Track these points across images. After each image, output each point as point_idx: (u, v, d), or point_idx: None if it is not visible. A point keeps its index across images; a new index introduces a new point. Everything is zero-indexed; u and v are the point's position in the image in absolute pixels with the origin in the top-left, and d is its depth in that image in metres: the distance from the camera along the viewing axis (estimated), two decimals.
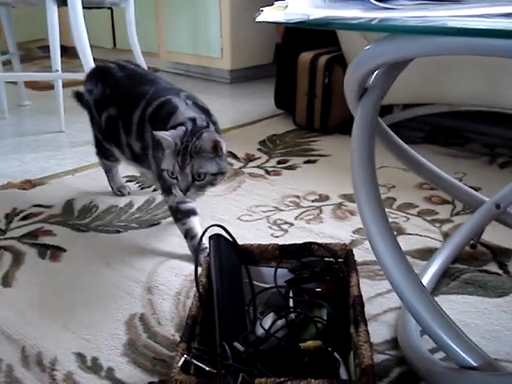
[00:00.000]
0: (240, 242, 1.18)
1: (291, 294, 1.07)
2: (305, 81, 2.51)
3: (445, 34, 0.63)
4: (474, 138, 2.41)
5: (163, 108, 1.47)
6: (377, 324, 1.22)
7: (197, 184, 1.33)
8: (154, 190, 1.89)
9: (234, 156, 2.23)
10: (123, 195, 1.88)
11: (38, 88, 3.46)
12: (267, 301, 1.07)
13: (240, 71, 3.61)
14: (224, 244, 1.08)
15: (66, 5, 2.44)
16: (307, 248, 1.14)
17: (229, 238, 1.11)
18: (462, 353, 0.92)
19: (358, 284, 1.00)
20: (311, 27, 0.71)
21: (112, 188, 1.90)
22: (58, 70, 2.55)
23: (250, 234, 1.61)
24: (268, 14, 0.76)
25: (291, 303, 1.04)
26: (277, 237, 1.59)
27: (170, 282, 1.38)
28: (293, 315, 1.01)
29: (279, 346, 0.92)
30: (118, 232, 1.65)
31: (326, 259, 1.12)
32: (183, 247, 1.51)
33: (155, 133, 1.33)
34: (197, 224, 1.48)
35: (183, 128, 1.35)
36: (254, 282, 1.09)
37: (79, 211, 1.80)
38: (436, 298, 1.30)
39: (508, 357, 1.13)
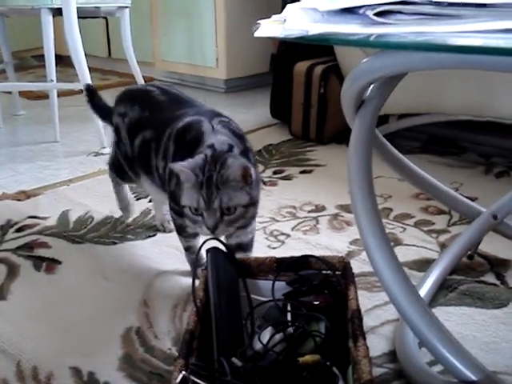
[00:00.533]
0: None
1: (289, 308, 1.06)
2: (300, 91, 2.51)
3: (442, 51, 0.63)
4: (470, 147, 2.42)
5: (190, 130, 1.31)
6: (374, 336, 1.21)
7: (226, 219, 1.16)
8: (150, 201, 1.88)
9: None
10: (165, 231, 1.70)
11: (33, 97, 3.46)
12: (265, 314, 1.06)
13: (235, 80, 3.61)
14: (221, 257, 1.08)
15: (61, 15, 2.44)
16: (305, 261, 1.13)
17: (226, 250, 1.11)
18: (461, 366, 0.91)
19: (357, 298, 1.00)
20: (310, 43, 0.71)
21: (120, 206, 1.75)
22: (52, 80, 2.55)
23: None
24: (266, 29, 0.76)
25: (289, 317, 1.04)
26: (274, 248, 1.58)
27: (167, 294, 1.37)
28: (291, 329, 1.00)
29: (277, 361, 0.92)
30: (114, 244, 1.64)
31: (324, 272, 1.12)
32: (180, 259, 1.50)
33: (171, 166, 1.19)
34: (200, 243, 1.35)
35: (202, 156, 1.19)
36: (252, 296, 1.09)
37: (74, 222, 1.79)
38: (434, 310, 1.30)
39: (507, 369, 1.12)
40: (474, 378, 0.91)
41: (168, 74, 3.98)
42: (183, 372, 0.81)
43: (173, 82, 3.91)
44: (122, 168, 1.60)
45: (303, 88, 2.50)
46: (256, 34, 0.76)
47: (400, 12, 0.71)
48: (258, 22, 0.96)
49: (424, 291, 1.33)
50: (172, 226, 1.61)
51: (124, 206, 1.74)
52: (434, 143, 2.49)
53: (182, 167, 1.16)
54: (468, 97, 2.09)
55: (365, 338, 0.89)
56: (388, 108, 2.23)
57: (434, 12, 0.70)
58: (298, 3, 0.94)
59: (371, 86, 1.08)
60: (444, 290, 1.37)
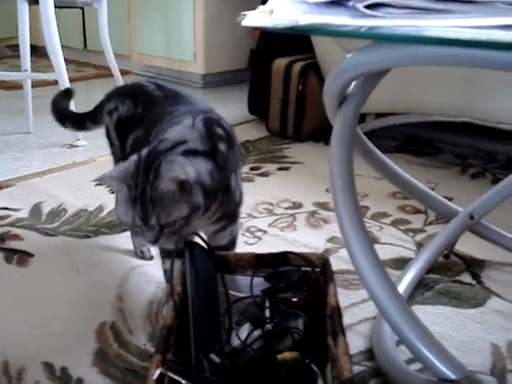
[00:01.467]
0: None
1: (267, 304, 1.04)
2: (279, 87, 2.50)
3: (435, 44, 0.62)
4: (446, 148, 2.44)
5: (167, 126, 1.17)
6: (351, 334, 1.21)
7: (167, 231, 1.04)
8: None
9: None
10: (144, 258, 1.51)
11: (5, 88, 3.39)
12: (243, 311, 1.04)
13: (213, 76, 3.59)
14: (199, 252, 1.06)
15: (37, 3, 2.39)
16: (284, 257, 1.12)
17: (204, 245, 1.09)
18: (440, 365, 0.91)
19: (336, 294, 0.99)
20: (299, 33, 0.69)
21: (134, 247, 1.54)
22: (27, 70, 2.50)
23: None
24: (254, 19, 0.75)
25: (267, 313, 1.02)
26: (250, 244, 1.57)
27: (142, 289, 1.35)
28: (269, 326, 0.99)
29: (256, 358, 0.90)
30: (88, 237, 1.61)
31: (303, 269, 1.11)
32: (155, 254, 1.48)
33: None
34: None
35: (134, 160, 1.04)
36: (230, 291, 1.07)
37: (47, 215, 1.75)
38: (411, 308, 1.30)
39: (483, 368, 1.13)
40: (453, 376, 0.91)
41: (145, 68, 3.93)
42: (160, 368, 0.79)
43: (149, 75, 3.87)
44: None
45: (282, 84, 2.49)
46: (243, 24, 0.75)
47: (390, 5, 0.70)
48: (244, 13, 0.94)
49: (401, 290, 1.33)
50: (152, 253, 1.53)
51: (139, 246, 1.53)
52: (411, 143, 2.50)
53: (112, 179, 1.04)
54: (445, 98, 2.10)
55: (344, 335, 0.88)
56: (365, 107, 2.21)
57: (424, 6, 0.69)
58: None
59: (353, 83, 1.07)
60: (420, 289, 1.37)
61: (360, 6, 0.69)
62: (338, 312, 0.94)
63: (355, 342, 1.18)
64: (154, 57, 3.76)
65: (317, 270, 1.10)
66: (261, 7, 0.88)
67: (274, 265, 1.12)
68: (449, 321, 1.27)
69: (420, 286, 1.38)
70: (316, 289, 1.08)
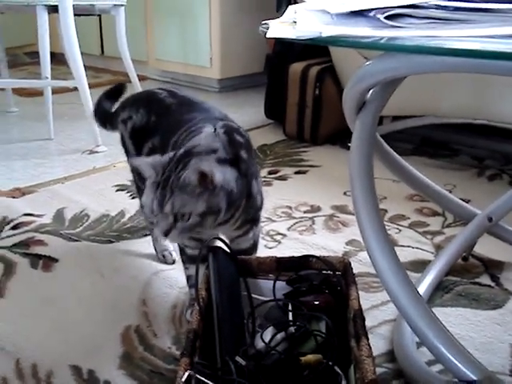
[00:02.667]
0: None
1: (290, 307, 1.06)
2: (295, 91, 2.52)
3: (457, 56, 0.64)
4: (463, 150, 2.44)
5: (186, 135, 1.19)
6: (372, 336, 1.22)
7: (179, 226, 1.05)
8: None
9: None
10: (166, 262, 1.54)
11: (26, 94, 3.44)
12: (266, 314, 1.06)
13: (229, 80, 3.62)
14: (223, 256, 1.08)
15: (56, 12, 2.44)
16: (305, 261, 1.14)
17: (227, 249, 1.11)
18: (461, 366, 0.92)
19: (358, 297, 1.01)
20: (322, 44, 0.71)
21: (155, 251, 1.57)
22: (47, 77, 2.54)
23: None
24: (277, 30, 0.77)
25: (290, 316, 1.04)
26: (270, 248, 1.59)
27: (165, 293, 1.38)
28: (292, 329, 1.01)
29: (280, 360, 0.92)
30: (111, 242, 1.64)
31: (324, 272, 1.12)
32: (178, 258, 1.50)
33: (131, 160, 1.14)
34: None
35: (170, 154, 1.09)
36: (253, 295, 1.09)
37: (70, 220, 1.78)
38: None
39: (503, 369, 1.14)
40: (474, 377, 0.92)
41: (161, 73, 3.97)
42: (189, 371, 0.81)
43: (166, 81, 3.91)
44: (138, 186, 1.45)
45: (298, 89, 2.50)
46: (268, 36, 0.77)
47: (410, 15, 0.72)
48: (265, 22, 0.96)
49: (421, 292, 1.34)
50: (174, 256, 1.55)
51: (163, 249, 1.55)
52: (427, 145, 2.51)
53: (143, 162, 1.10)
54: (462, 100, 2.11)
55: (367, 338, 0.90)
56: (383, 110, 2.25)
57: (444, 16, 0.71)
58: (303, 4, 0.94)
59: (372, 89, 1.09)
60: (440, 291, 1.39)
61: (381, 16, 0.71)
62: (360, 315, 0.95)
63: (376, 344, 1.20)
64: (171, 62, 3.79)
65: (338, 273, 1.12)
66: (283, 18, 0.90)
67: (295, 268, 1.14)
68: (468, 322, 1.28)
69: (439, 289, 1.39)
70: (337, 292, 1.10)
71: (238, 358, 0.89)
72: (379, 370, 1.12)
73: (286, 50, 2.64)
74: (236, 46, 3.50)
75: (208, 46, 3.52)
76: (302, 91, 2.50)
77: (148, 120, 1.35)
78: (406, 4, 0.75)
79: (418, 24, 0.70)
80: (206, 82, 3.67)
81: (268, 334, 0.99)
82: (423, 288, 1.35)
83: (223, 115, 1.31)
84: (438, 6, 0.77)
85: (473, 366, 0.93)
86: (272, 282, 1.10)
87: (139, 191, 1.44)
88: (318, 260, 1.13)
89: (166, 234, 1.06)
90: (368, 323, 1.24)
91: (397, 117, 2.39)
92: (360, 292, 1.34)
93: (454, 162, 2.31)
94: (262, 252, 1.48)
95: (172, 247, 1.54)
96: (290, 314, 1.05)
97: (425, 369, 1.08)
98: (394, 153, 1.41)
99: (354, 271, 1.26)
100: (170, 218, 1.04)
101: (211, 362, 0.93)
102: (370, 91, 1.09)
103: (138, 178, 1.40)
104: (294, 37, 0.71)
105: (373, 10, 0.74)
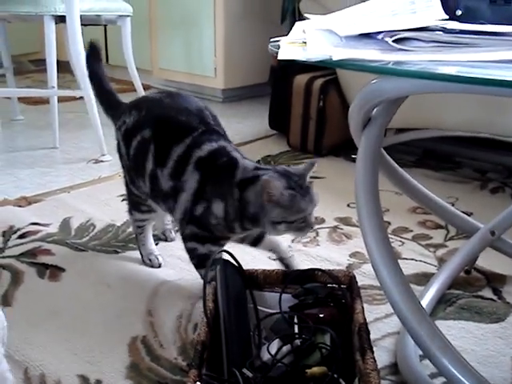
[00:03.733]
0: (246, 266, 1.20)
1: (295, 320, 1.08)
2: (300, 103, 2.54)
3: (456, 82, 0.66)
4: (465, 162, 2.46)
5: (219, 157, 1.34)
6: (376, 349, 1.21)
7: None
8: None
9: None
10: (152, 266, 1.58)
11: (31, 103, 3.47)
12: (272, 326, 1.08)
13: (233, 90, 3.64)
14: (230, 269, 1.10)
15: (63, 22, 2.46)
16: (310, 274, 1.16)
17: (234, 262, 1.13)
18: (463, 379, 0.94)
19: (363, 311, 1.02)
20: (331, 66, 0.73)
21: (141, 255, 1.61)
22: (54, 87, 2.56)
23: (248, 257, 1.60)
24: (288, 52, 0.79)
25: (296, 329, 1.06)
26: (275, 260, 1.60)
27: (171, 304, 1.39)
28: (298, 341, 1.02)
29: (286, 372, 0.94)
30: (117, 252, 1.66)
31: (329, 285, 1.14)
32: (182, 269, 1.52)
33: (267, 183, 1.23)
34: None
35: (278, 174, 1.28)
36: (259, 307, 1.11)
37: (76, 230, 1.80)
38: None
39: (504, 382, 1.15)
40: None
41: (166, 83, 4.00)
42: (197, 383, 0.83)
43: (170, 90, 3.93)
44: (131, 191, 1.53)
45: (302, 100, 2.53)
46: (279, 57, 0.79)
47: (417, 39, 0.74)
48: (274, 39, 0.99)
49: (424, 305, 1.35)
50: (173, 235, 1.65)
51: (150, 252, 1.60)
52: (430, 158, 2.53)
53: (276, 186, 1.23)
54: (466, 113, 2.13)
55: (373, 352, 0.92)
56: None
57: (450, 40, 0.73)
58: (311, 22, 0.97)
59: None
60: (443, 304, 1.40)
61: (389, 40, 0.73)
62: (365, 328, 0.97)
63: (380, 356, 1.21)
64: (175, 72, 3.82)
65: (343, 286, 1.14)
66: (291, 36, 0.92)
67: (301, 281, 1.15)
68: (471, 335, 1.29)
69: (442, 302, 1.41)
70: (342, 305, 1.11)
71: (244, 370, 0.90)
72: (383, 383, 1.13)
73: (291, 62, 2.65)
74: (240, 57, 3.53)
75: (212, 56, 3.55)
76: (306, 103, 2.52)
77: (138, 116, 1.43)
78: (413, 27, 0.76)
79: (424, 47, 0.72)
80: (210, 91, 3.69)
81: (274, 347, 1.00)
82: (426, 301, 1.37)
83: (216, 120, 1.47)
84: (445, 29, 0.79)
85: (475, 379, 0.94)
86: (278, 294, 1.12)
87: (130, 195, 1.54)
88: (324, 273, 1.15)
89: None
90: (372, 336, 1.25)
91: (400, 129, 2.41)
92: (364, 304, 1.37)
93: (456, 175, 2.33)
94: (266, 264, 1.50)
95: (157, 251, 1.61)
96: (296, 326, 1.06)
97: (428, 381, 1.09)
98: (397, 165, 1.43)
99: (358, 284, 1.28)
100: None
101: (218, 373, 0.94)
102: (376, 108, 1.12)
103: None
104: (304, 59, 0.73)
105: (381, 32, 0.76)
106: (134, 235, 1.71)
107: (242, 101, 3.66)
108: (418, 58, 0.70)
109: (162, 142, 1.38)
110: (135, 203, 1.55)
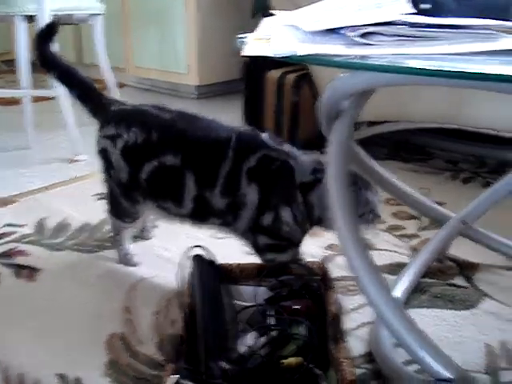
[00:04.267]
0: (221, 261, 1.21)
1: (271, 312, 1.10)
2: (273, 98, 2.56)
3: (418, 75, 0.68)
4: (437, 153, 2.49)
5: (270, 164, 1.31)
6: (351, 339, 1.25)
7: None
8: None
9: None
10: (128, 264, 1.58)
11: (4, 103, 3.43)
12: (248, 319, 1.10)
13: (207, 87, 3.65)
14: (205, 264, 1.11)
15: (34, 21, 2.44)
16: (285, 267, 1.17)
17: (209, 257, 1.14)
18: (436, 365, 0.96)
19: (336, 302, 1.04)
20: (297, 61, 0.75)
21: (118, 254, 1.61)
22: (26, 87, 2.54)
23: (225, 251, 1.60)
24: (253, 48, 0.80)
25: (271, 321, 1.07)
26: (251, 254, 1.61)
27: (148, 301, 1.40)
28: (273, 333, 1.04)
29: (262, 364, 0.95)
30: (93, 251, 1.66)
31: (304, 277, 1.16)
32: (159, 266, 1.53)
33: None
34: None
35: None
36: (235, 301, 1.12)
37: (52, 230, 1.80)
38: (407, 312, 1.35)
39: (478, 368, 1.18)
40: (449, 376, 0.96)
41: (139, 80, 3.99)
42: (175, 376, 0.84)
43: (145, 88, 3.93)
44: (119, 202, 1.49)
45: (276, 96, 2.54)
46: (244, 53, 0.80)
47: (381, 33, 0.76)
48: (241, 36, 1.00)
49: (398, 294, 1.38)
50: (151, 233, 1.67)
51: (126, 253, 1.60)
52: (402, 150, 2.56)
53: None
54: (436, 105, 2.16)
55: (345, 341, 0.94)
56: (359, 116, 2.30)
57: (413, 34, 0.75)
58: (278, 19, 0.98)
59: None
60: (417, 293, 1.43)
61: (353, 34, 0.75)
62: (338, 319, 0.99)
63: (355, 345, 1.23)
64: (149, 69, 3.81)
65: (317, 278, 1.15)
66: (257, 33, 0.93)
67: (276, 274, 1.17)
68: (445, 323, 1.32)
69: (416, 291, 1.43)
70: (317, 296, 1.13)
71: (221, 363, 0.92)
72: (358, 371, 1.15)
73: (263, 58, 2.67)
74: (214, 53, 3.53)
75: (185, 53, 3.55)
76: (279, 98, 2.54)
77: (147, 138, 1.37)
78: (377, 22, 0.78)
79: (388, 42, 0.74)
80: (184, 88, 3.69)
81: (250, 339, 1.02)
82: (400, 290, 1.39)
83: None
84: (410, 23, 0.81)
85: (448, 365, 0.97)
86: (254, 287, 1.14)
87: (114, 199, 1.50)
88: (298, 266, 1.16)
89: None
90: (347, 326, 1.29)
91: (373, 122, 2.43)
92: (339, 295, 1.39)
93: (428, 166, 2.36)
94: (243, 259, 1.51)
95: (133, 251, 1.60)
96: (272, 318, 1.08)
97: (402, 369, 1.11)
98: (369, 157, 1.45)
99: (333, 275, 1.30)
100: None
101: (196, 367, 0.96)
102: (344, 102, 1.14)
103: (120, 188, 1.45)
104: (269, 55, 0.75)
105: (346, 27, 0.77)
106: (109, 234, 1.71)
107: (217, 97, 3.67)
108: (381, 51, 0.71)
109: (199, 166, 1.33)
110: (121, 213, 1.53)
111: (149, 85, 3.92)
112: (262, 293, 1.14)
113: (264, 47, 0.78)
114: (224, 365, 0.91)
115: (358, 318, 1.33)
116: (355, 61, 0.70)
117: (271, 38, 0.81)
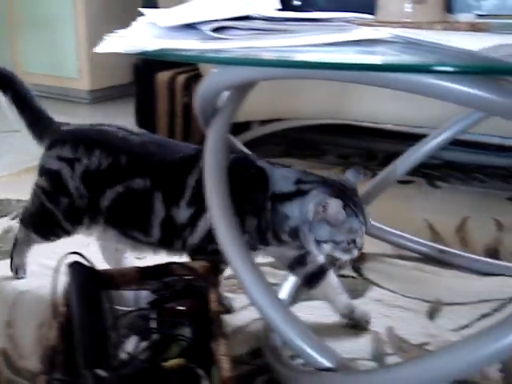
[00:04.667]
0: (101, 267, 1.18)
1: (155, 316, 1.08)
2: (164, 100, 2.53)
3: (263, 66, 0.68)
4: (329, 149, 2.55)
5: (241, 171, 1.23)
6: (242, 335, 1.26)
7: None
8: (13, 219, 1.79)
9: None
10: (17, 277, 1.50)
11: None
12: (130, 324, 1.07)
13: (100, 91, 3.57)
14: (83, 271, 1.08)
15: None
16: (167, 268, 1.16)
17: (88, 264, 1.11)
18: (316, 356, 0.98)
19: (218, 300, 1.04)
20: (151, 57, 0.74)
21: (11, 262, 1.51)
22: None
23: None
24: (108, 44, 0.78)
25: (154, 324, 1.06)
26: (139, 258, 1.58)
27: (31, 314, 1.34)
28: (156, 336, 1.02)
29: (143, 368, 0.93)
30: None
31: (188, 278, 1.15)
32: (44, 277, 1.47)
33: (331, 203, 1.11)
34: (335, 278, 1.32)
35: (332, 188, 1.15)
36: (117, 307, 1.10)
37: None
38: (297, 305, 1.38)
39: (365, 355, 1.22)
40: (330, 365, 0.98)
41: (31, 87, 3.84)
42: None
43: (36, 94, 3.78)
44: (53, 222, 1.37)
45: (167, 97, 2.52)
46: (96, 50, 0.78)
47: (237, 27, 0.76)
48: (108, 34, 0.97)
49: (287, 288, 1.40)
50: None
51: (21, 264, 1.51)
52: (297, 147, 2.60)
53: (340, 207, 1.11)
54: (322, 102, 2.21)
55: (225, 338, 0.93)
56: (248, 115, 2.32)
57: (267, 27, 0.75)
58: (144, 17, 0.97)
59: (224, 95, 1.13)
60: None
61: (208, 28, 0.74)
62: (219, 316, 0.99)
63: (245, 342, 1.24)
64: (40, 75, 3.68)
65: (201, 277, 1.14)
66: (122, 30, 0.92)
67: (158, 276, 1.15)
68: (334, 313, 1.34)
69: None
70: (201, 296, 1.12)
71: (98, 371, 0.89)
72: (246, 367, 1.16)
73: (153, 59, 2.64)
74: (105, 56, 3.42)
75: (75, 57, 3.46)
76: (170, 99, 2.52)
77: (114, 163, 1.29)
78: (234, 16, 0.78)
79: (242, 35, 0.74)
80: (76, 93, 3.60)
81: (131, 344, 1.00)
82: (290, 284, 1.41)
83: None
84: (267, 17, 0.82)
85: (327, 354, 0.99)
86: (136, 291, 1.11)
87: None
88: (181, 266, 1.15)
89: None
90: (238, 323, 1.30)
91: (264, 121, 2.46)
92: (228, 294, 1.39)
93: (321, 162, 2.41)
94: (132, 264, 1.48)
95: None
96: (154, 322, 1.06)
97: (289, 362, 1.12)
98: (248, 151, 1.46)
99: (224, 273, 1.30)
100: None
101: (73, 377, 0.92)
102: (222, 99, 1.14)
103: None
104: (122, 51, 0.73)
105: (202, 22, 0.77)
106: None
107: (110, 101, 3.59)
108: (234, 45, 0.71)
109: (168, 183, 1.27)
110: (47, 231, 1.42)
111: (39, 90, 3.75)
112: (145, 296, 1.12)
113: (117, 43, 0.77)
114: (100, 372, 0.89)
115: (248, 314, 1.33)
116: (207, 55, 0.69)
117: (127, 34, 0.79)
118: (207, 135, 1.13)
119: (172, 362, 0.96)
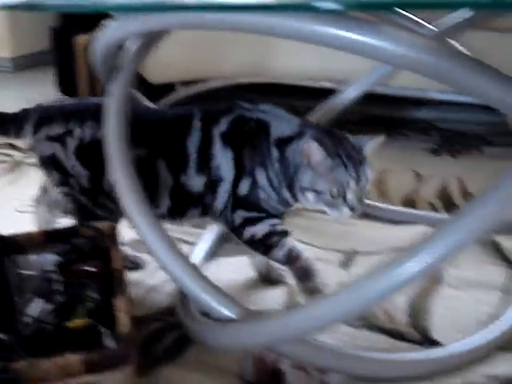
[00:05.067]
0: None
1: (61, 278, 1.07)
2: (84, 63, 2.48)
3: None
4: None
5: (245, 124, 1.17)
6: (156, 294, 1.27)
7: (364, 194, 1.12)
8: None
9: (13, 146, 2.13)
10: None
11: None
12: (36, 288, 1.06)
13: (22, 58, 3.45)
14: None
15: None
16: (75, 230, 1.15)
17: None
18: (220, 308, 1.00)
19: (120, 258, 1.04)
20: (27, 10, 0.72)
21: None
22: None
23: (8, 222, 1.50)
24: None
25: (59, 287, 1.05)
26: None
27: None
28: (61, 298, 1.02)
29: (44, 330, 0.93)
30: None
31: (94, 238, 1.14)
32: None
33: (309, 145, 1.07)
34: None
35: (318, 137, 1.10)
36: (23, 271, 1.08)
37: None
38: (216, 261, 1.41)
39: (277, 306, 1.25)
40: (234, 316, 1.00)
41: None
42: None
43: None
44: (89, 211, 1.27)
45: (86, 60, 2.46)
46: None
47: None
48: None
49: (205, 246, 1.42)
50: None
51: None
52: None
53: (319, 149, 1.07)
54: (243, 60, 2.20)
55: (125, 294, 0.94)
56: (169, 76, 2.30)
57: None
58: None
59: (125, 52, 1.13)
60: (224, 243, 1.46)
61: None
62: (120, 274, 0.99)
63: (160, 300, 1.25)
64: None
65: (106, 237, 1.14)
66: None
67: (66, 238, 1.14)
68: (249, 268, 1.36)
69: (223, 241, 1.46)
70: (108, 256, 1.12)
71: None
72: (158, 324, 1.18)
73: (71, 22, 2.57)
74: (25, 22, 3.34)
75: None
76: (90, 62, 2.47)
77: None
78: None
79: None
80: None
81: (36, 307, 0.99)
82: (208, 242, 1.43)
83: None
84: None
85: (230, 305, 1.01)
86: (42, 255, 1.10)
87: None
88: (87, 228, 1.14)
89: (360, 205, 1.11)
90: (153, 282, 1.31)
91: (187, 82, 2.43)
92: (145, 255, 1.39)
93: None
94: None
95: None
96: (59, 284, 1.05)
97: (198, 317, 1.14)
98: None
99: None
100: (362, 191, 1.12)
101: None
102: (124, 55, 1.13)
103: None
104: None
105: None
106: None
107: (34, 68, 3.47)
108: None
109: (169, 149, 1.20)
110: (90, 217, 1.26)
111: None
112: (52, 259, 1.11)
113: None
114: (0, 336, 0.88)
115: (163, 274, 1.33)
116: (85, 4, 0.68)
117: None
118: (109, 89, 1.12)
119: (76, 322, 0.96)
